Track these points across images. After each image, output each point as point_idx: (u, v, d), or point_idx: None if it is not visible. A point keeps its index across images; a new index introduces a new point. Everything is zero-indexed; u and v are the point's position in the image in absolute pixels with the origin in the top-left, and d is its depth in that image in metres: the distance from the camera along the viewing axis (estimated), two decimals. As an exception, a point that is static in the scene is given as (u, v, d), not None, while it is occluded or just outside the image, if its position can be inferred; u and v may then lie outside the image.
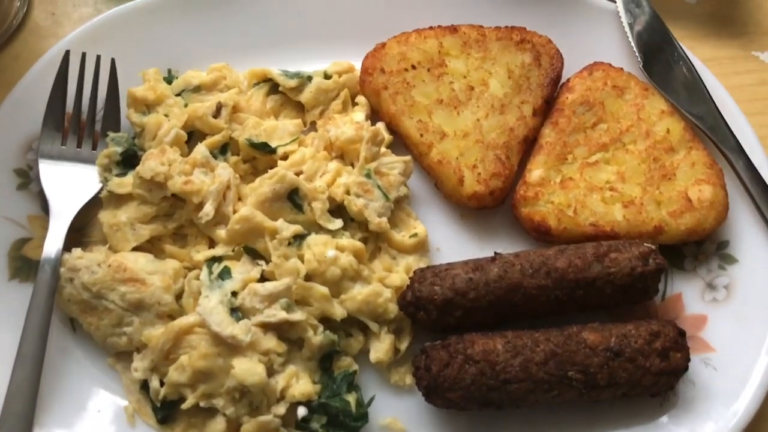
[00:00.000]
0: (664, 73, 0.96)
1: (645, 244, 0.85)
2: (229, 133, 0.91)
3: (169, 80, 0.96)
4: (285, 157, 0.90)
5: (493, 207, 0.92)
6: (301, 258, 0.83)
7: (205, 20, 0.98)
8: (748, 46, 1.06)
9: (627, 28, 0.99)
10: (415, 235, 0.88)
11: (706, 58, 1.04)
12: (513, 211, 0.92)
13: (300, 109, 0.95)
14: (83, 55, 0.92)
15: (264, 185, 0.84)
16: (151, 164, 0.85)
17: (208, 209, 0.84)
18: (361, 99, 0.96)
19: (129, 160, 0.90)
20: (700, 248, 0.92)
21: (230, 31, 0.99)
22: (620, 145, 0.92)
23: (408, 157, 0.92)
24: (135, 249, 0.86)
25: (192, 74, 0.94)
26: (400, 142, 0.95)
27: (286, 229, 0.83)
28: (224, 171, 0.87)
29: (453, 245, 0.92)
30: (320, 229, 0.85)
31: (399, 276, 0.85)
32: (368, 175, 0.88)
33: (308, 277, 0.83)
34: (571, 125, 0.93)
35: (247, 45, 0.98)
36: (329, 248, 0.82)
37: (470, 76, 0.95)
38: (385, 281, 0.85)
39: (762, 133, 1.00)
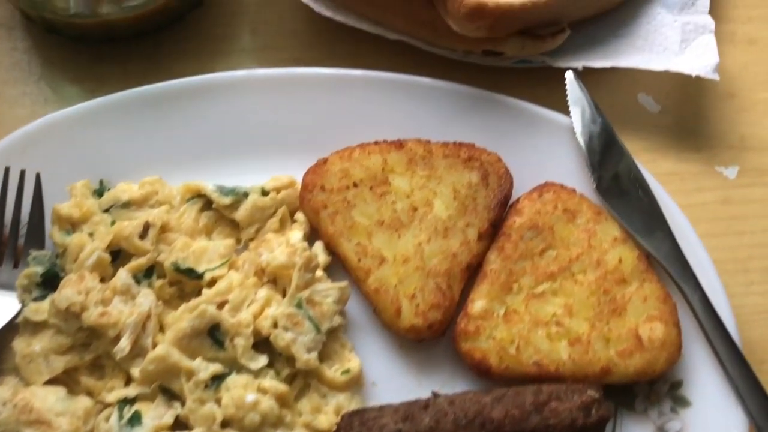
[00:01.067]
0: (619, 196, 0.91)
1: (589, 392, 0.79)
2: (155, 256, 0.86)
3: (100, 192, 0.91)
4: (213, 282, 0.86)
5: (432, 339, 0.87)
6: (219, 401, 0.78)
7: (142, 129, 0.94)
8: (711, 160, 1.01)
9: (582, 145, 0.94)
10: (348, 371, 0.83)
11: (667, 173, 1.00)
12: (454, 345, 0.87)
13: (236, 226, 0.91)
14: (6, 170, 0.89)
15: (183, 320, 0.80)
16: (67, 293, 0.80)
17: (123, 344, 0.79)
18: (300, 216, 0.91)
19: (50, 282, 0.85)
20: (653, 388, 0.86)
21: (168, 141, 0.94)
22: (569, 275, 0.88)
23: (344, 283, 0.87)
24: (49, 381, 0.82)
25: (123, 188, 0.90)
26: (339, 263, 0.91)
27: (204, 370, 0.78)
28: (145, 300, 0.82)
29: (390, 380, 0.86)
30: (242, 367, 0.80)
31: (327, 419, 0.80)
32: (299, 305, 0.83)
33: (225, 423, 0.77)
34: (517, 251, 0.88)
35: (185, 156, 0.94)
36: (249, 391, 0.77)
37: (414, 196, 0.90)
38: (311, 425, 0.80)
39: (723, 256, 0.96)
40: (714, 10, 1.09)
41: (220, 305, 0.82)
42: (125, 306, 0.82)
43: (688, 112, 1.04)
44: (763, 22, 1.10)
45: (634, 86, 1.04)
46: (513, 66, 1.01)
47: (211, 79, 0.95)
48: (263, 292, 0.84)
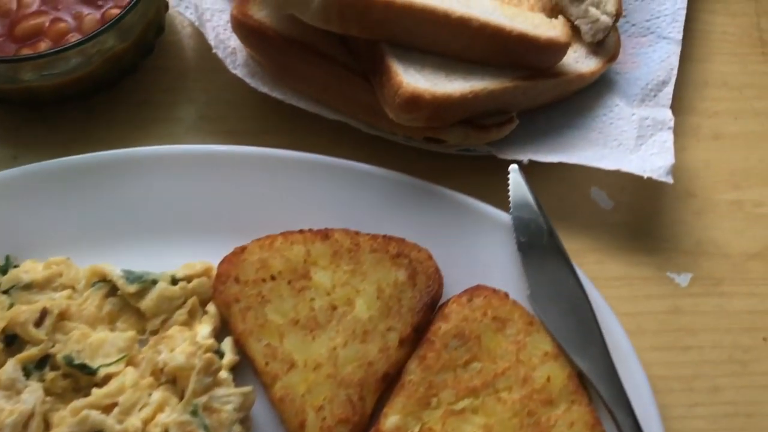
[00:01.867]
0: (553, 306, 0.85)
1: None
2: (49, 346, 0.80)
3: (4, 269, 0.86)
4: (108, 379, 0.80)
5: (339, 455, 0.81)
6: None
7: (54, 203, 0.89)
8: (663, 265, 0.95)
9: (517, 245, 0.88)
10: (243, 488, 0.77)
11: (615, 277, 0.94)
12: (362, 462, 0.80)
13: (142, 315, 0.85)
14: None
15: (64, 425, 0.74)
16: (-57, 387, 0.75)
17: (-2, 448, 0.73)
18: (211, 309, 0.85)
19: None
20: None
21: (81, 218, 0.89)
22: (493, 392, 0.81)
23: (249, 389, 0.80)
24: None
25: (27, 267, 0.85)
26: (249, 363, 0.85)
27: (81, 483, 0.72)
28: (31, 396, 0.76)
29: (293, 497, 0.80)
30: (125, 481, 0.74)
31: None
32: (194, 413, 0.77)
33: None
34: (440, 362, 0.82)
35: (99, 235, 0.88)
36: None
37: (335, 293, 0.84)
38: None
39: (667, 372, 0.89)
40: (679, 101, 1.03)
41: (110, 407, 0.77)
42: (8, 403, 0.76)
43: (642, 211, 0.98)
44: (730, 117, 1.05)
45: (587, 179, 0.98)
46: (456, 153, 0.96)
47: (130, 154, 0.90)
48: (158, 395, 0.78)
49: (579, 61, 0.97)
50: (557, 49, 0.91)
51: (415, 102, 0.85)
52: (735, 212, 0.99)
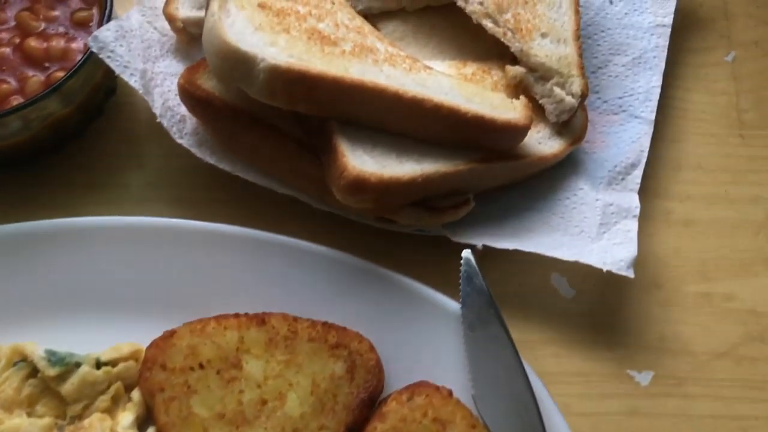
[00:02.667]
0: (499, 406, 0.80)
1: None
2: (-43, 433, 0.76)
3: None
4: (18, 471, 0.75)
5: None
6: None
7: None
8: (624, 362, 0.89)
9: (464, 339, 0.83)
10: None
11: (572, 372, 0.89)
12: None
13: (63, 399, 0.81)
14: None
15: None
16: None
17: None
18: (136, 396, 0.80)
19: None
20: None
21: (7, 292, 0.84)
22: (427, 502, 0.76)
23: (167, 488, 0.76)
24: None
25: (-56, 343, 0.81)
26: (173, 455, 0.80)
27: None
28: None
29: None
30: None
31: None
32: None
33: None
34: (373, 466, 0.77)
35: (26, 310, 0.84)
36: None
37: (267, 386, 0.79)
38: None
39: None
40: (650, 183, 0.99)
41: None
42: None
43: (605, 302, 0.93)
44: (703, 202, 1.00)
45: (548, 264, 0.92)
46: (410, 232, 0.92)
47: (57, 225, 0.86)
48: (69, 492, 0.74)
49: (542, 142, 0.93)
50: (516, 132, 0.87)
51: (360, 186, 0.81)
52: (703, 306, 0.93)
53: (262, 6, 0.85)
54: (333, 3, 0.91)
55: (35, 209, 0.92)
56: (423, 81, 0.86)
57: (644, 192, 0.96)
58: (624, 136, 0.99)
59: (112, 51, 0.88)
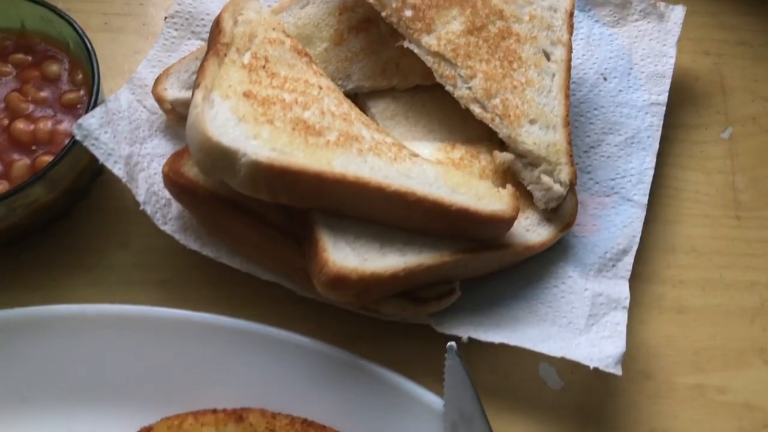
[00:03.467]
0: None
1: None
2: None
3: None
4: None
5: None
6: None
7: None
8: (613, 456, 0.88)
9: (449, 439, 0.82)
10: None
11: (558, 469, 0.87)
12: None
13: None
14: None
15: None
16: None
17: None
18: (111, 493, 0.80)
19: None
20: None
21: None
22: None
23: None
24: None
25: None
26: None
27: None
28: None
29: None
30: None
31: None
32: None
33: None
34: None
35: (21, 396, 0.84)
36: None
37: (243, 486, 0.79)
38: None
39: None
40: (642, 267, 0.97)
41: None
42: None
43: (594, 394, 0.90)
44: (697, 288, 0.98)
45: (536, 354, 0.90)
46: (395, 320, 0.91)
47: (25, 314, 0.85)
48: None
49: (530, 230, 0.91)
50: (502, 223, 0.86)
51: (341, 283, 0.79)
52: (695, 399, 0.91)
53: (247, 95, 0.85)
54: (320, 88, 0.90)
55: (17, 290, 0.92)
56: (407, 171, 0.85)
57: (635, 276, 0.94)
58: (616, 220, 0.97)
59: (96, 138, 0.88)
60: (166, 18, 1.06)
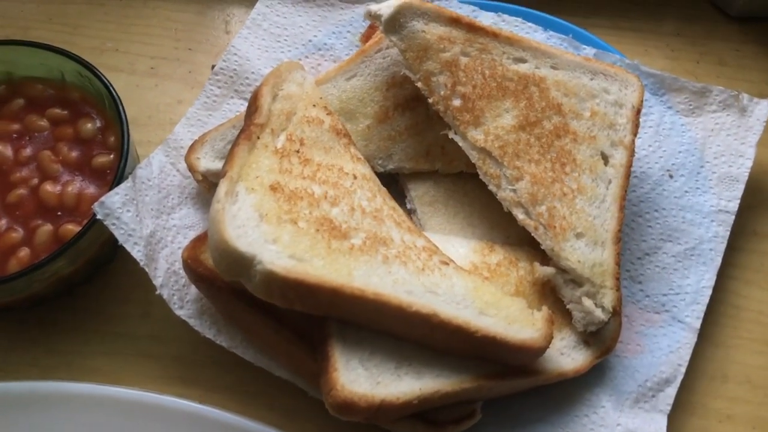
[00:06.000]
0: None
1: None
2: None
3: None
4: None
5: None
6: None
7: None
8: None
9: None
10: None
11: None
12: None
13: None
14: None
15: None
16: None
17: None
18: None
19: None
20: None
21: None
22: None
23: None
24: None
25: None
26: None
27: None
28: None
29: None
30: None
31: None
32: None
33: None
34: None
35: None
36: None
37: None
38: None
39: None
40: (686, 395, 0.90)
41: None
42: None
43: None
44: (746, 426, 0.89)
45: (558, 481, 0.86)
46: (410, 435, 0.86)
47: (36, 389, 0.85)
48: None
49: (564, 353, 0.84)
50: (532, 353, 0.79)
51: (349, 408, 0.74)
52: None
53: (274, 188, 0.80)
54: (355, 178, 0.85)
55: (35, 353, 0.92)
56: (434, 286, 0.79)
57: (676, 405, 0.87)
58: (662, 343, 0.89)
59: (117, 218, 0.85)
60: (213, 68, 1.02)
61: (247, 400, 0.88)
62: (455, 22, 0.91)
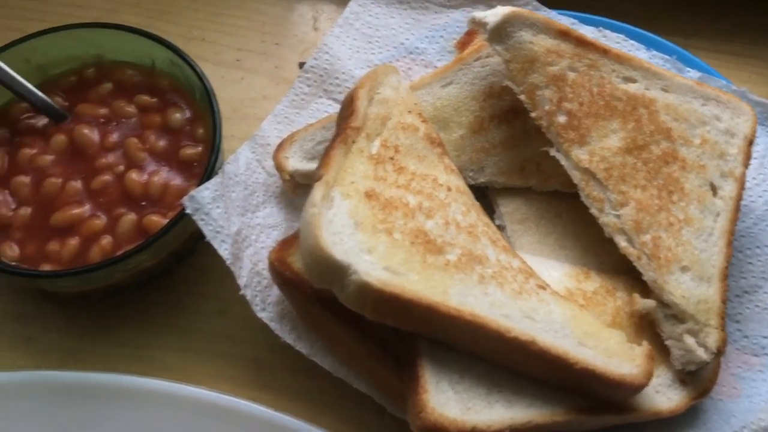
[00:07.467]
0: None
1: None
2: None
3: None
4: None
5: None
6: None
7: (37, 418, 0.83)
8: None
9: None
10: None
11: None
12: None
13: None
14: None
15: None
16: None
17: None
18: None
19: None
20: None
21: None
22: None
23: None
24: None
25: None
26: None
27: None
28: None
29: None
30: None
31: None
32: None
33: None
34: None
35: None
36: None
37: None
38: None
39: None
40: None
41: None
42: None
43: None
44: None
45: None
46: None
47: (119, 382, 0.83)
48: None
49: (660, 391, 0.80)
50: (630, 389, 0.75)
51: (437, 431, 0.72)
52: None
53: (369, 195, 0.77)
54: (449, 190, 0.82)
55: (110, 343, 0.90)
56: (532, 312, 0.75)
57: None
58: (761, 388, 0.84)
59: (207, 214, 0.83)
60: (302, 66, 1.00)
61: (321, 410, 0.85)
62: (564, 35, 0.87)
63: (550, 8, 1.03)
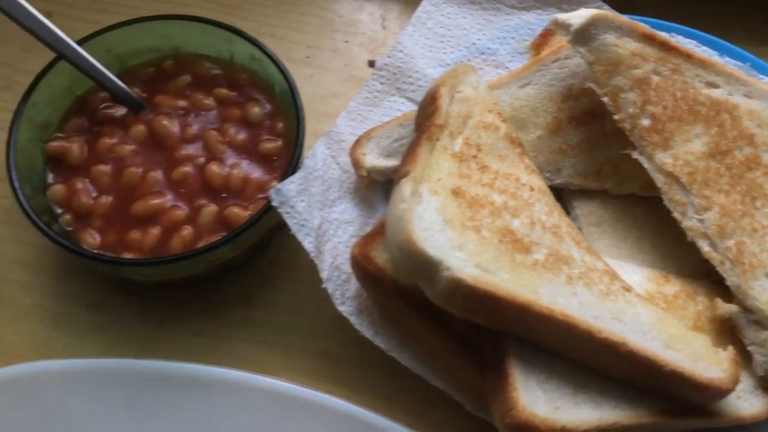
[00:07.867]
0: None
1: None
2: None
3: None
4: None
5: None
6: None
7: (113, 405, 0.84)
8: None
9: None
10: None
11: None
12: None
13: None
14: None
15: None
16: None
17: None
18: None
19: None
20: None
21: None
22: None
23: None
24: None
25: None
26: None
27: None
28: None
29: None
30: None
31: None
32: None
33: None
34: None
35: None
36: None
37: None
38: None
39: None
40: None
41: None
42: None
43: None
44: None
45: None
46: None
47: (193, 371, 0.84)
48: None
49: (742, 397, 0.80)
50: (716, 393, 0.75)
51: (528, 430, 0.72)
52: None
53: (456, 193, 0.77)
54: (531, 189, 0.82)
55: (185, 332, 0.91)
56: (620, 313, 0.75)
57: None
58: (841, 397, 0.84)
59: (292, 207, 0.83)
60: (371, 65, 1.00)
61: (397, 407, 0.85)
62: (649, 39, 0.88)
63: (620, 13, 1.04)
